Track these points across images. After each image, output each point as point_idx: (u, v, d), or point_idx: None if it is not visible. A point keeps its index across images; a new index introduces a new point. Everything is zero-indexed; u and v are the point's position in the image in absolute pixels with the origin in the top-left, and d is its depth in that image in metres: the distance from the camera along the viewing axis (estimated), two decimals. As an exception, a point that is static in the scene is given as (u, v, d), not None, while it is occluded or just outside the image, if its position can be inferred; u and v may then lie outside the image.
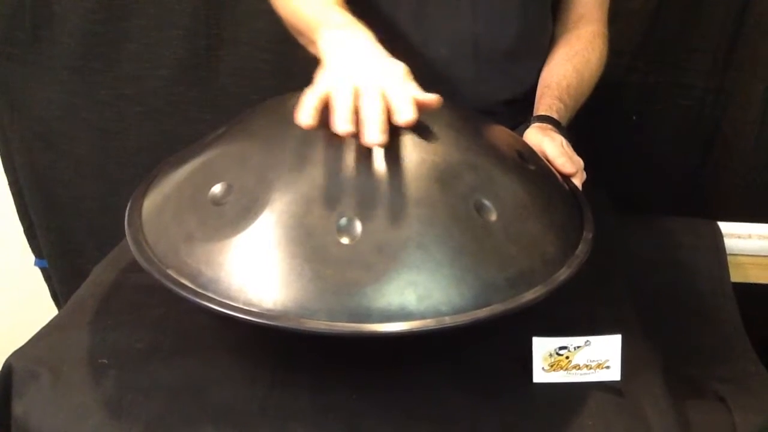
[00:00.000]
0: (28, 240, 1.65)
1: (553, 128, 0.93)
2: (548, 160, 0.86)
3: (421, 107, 0.69)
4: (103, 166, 1.53)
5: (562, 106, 0.97)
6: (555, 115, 0.95)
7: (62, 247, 1.63)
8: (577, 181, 0.86)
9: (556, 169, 0.85)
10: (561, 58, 1.06)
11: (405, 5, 1.01)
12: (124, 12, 1.38)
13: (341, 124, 0.67)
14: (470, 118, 0.85)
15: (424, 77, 1.01)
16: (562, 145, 0.88)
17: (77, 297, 0.85)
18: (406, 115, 0.67)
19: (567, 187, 0.85)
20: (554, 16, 1.11)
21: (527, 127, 0.94)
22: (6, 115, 1.49)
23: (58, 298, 1.72)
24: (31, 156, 1.53)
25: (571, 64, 1.04)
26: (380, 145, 0.67)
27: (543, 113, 0.96)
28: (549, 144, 0.87)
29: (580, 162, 0.89)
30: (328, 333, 0.63)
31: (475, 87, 1.06)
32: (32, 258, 1.68)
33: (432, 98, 0.70)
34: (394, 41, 1.01)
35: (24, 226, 1.63)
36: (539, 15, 1.07)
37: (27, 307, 1.71)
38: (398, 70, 0.73)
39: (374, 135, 0.66)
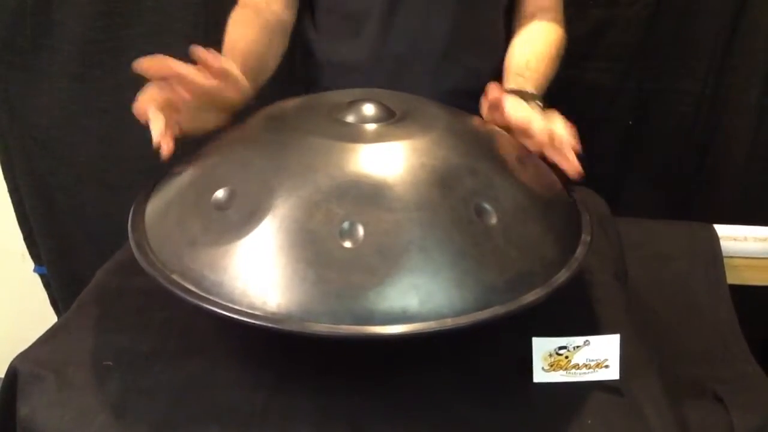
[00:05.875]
0: (28, 247, 1.65)
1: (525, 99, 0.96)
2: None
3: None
4: (104, 173, 1.53)
5: (521, 79, 1.02)
6: (515, 86, 1.00)
7: (62, 254, 1.63)
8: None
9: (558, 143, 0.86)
10: (516, 45, 1.11)
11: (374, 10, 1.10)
12: (125, 19, 1.39)
13: None
14: (469, 122, 0.86)
15: (389, 71, 1.11)
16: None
17: (81, 300, 0.86)
18: None
19: (565, 190, 0.86)
20: (511, 15, 1.18)
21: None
22: (6, 121, 1.49)
23: (57, 304, 1.72)
24: (32, 163, 1.53)
25: (528, 46, 1.10)
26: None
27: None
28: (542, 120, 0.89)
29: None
30: (331, 336, 0.63)
31: (438, 80, 1.12)
32: (32, 265, 1.68)
33: None
34: (361, 40, 1.11)
35: (24, 233, 1.63)
36: (482, 10, 1.13)
37: (26, 314, 1.71)
38: None
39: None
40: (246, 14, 1.09)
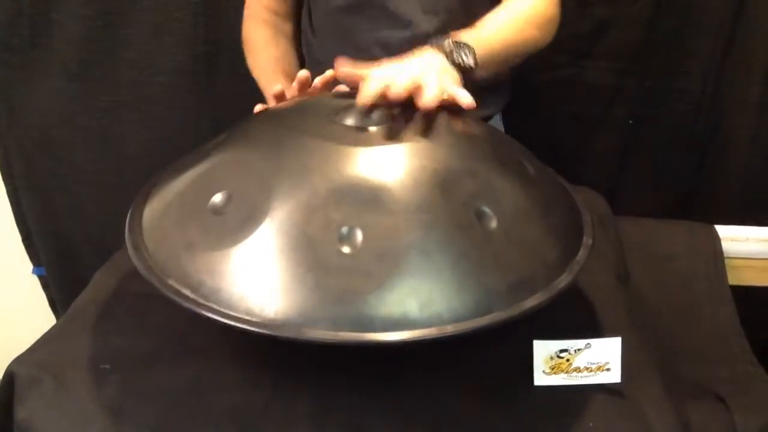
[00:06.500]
0: (26, 247, 1.65)
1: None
2: None
3: None
4: (102, 173, 1.53)
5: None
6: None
7: (60, 255, 1.63)
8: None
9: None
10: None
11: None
12: (123, 19, 1.39)
13: None
14: (469, 124, 0.86)
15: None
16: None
17: (79, 302, 0.85)
18: None
19: (567, 192, 0.85)
20: None
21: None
22: (4, 122, 1.49)
23: (56, 305, 1.72)
24: (29, 163, 1.53)
25: (492, 14, 1.05)
26: None
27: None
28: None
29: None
30: (330, 343, 0.63)
31: None
32: (30, 266, 1.68)
33: None
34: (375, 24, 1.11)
35: (22, 234, 1.63)
36: (473, 8, 1.10)
37: (25, 315, 1.71)
38: None
39: None
40: (269, 31, 1.18)
